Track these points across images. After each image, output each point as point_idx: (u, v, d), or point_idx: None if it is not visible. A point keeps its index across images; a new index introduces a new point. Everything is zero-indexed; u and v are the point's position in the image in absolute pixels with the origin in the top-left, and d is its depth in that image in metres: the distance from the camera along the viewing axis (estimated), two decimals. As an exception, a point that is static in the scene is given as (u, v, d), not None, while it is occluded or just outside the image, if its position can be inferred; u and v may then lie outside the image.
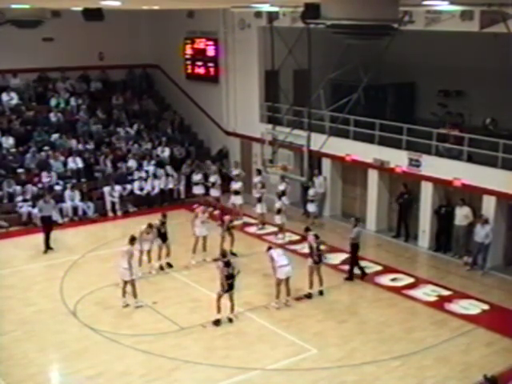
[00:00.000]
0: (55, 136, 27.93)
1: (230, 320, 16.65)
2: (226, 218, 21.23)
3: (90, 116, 29.79)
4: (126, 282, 17.59)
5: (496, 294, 18.74)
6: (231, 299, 16.65)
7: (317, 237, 18.53)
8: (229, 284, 16.46)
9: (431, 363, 14.99)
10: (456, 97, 24.83)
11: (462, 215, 20.96)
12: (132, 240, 17.91)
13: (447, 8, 19.28)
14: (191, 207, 26.43)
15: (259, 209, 24.23)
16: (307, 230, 19.24)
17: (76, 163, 26.75)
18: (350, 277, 19.73)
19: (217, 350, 15.53)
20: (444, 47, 22.94)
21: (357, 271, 19.83)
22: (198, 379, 14.34)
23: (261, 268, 19.41)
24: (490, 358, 15.03)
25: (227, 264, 16.53)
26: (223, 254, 17.15)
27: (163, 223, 20.04)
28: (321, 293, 18.47)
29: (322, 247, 18.59)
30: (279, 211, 22.91)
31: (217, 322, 16.59)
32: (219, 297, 16.54)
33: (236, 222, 22.37)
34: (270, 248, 18.11)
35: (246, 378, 14.39)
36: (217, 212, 25.49)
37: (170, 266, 20.23)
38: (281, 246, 19.86)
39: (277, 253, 17.78)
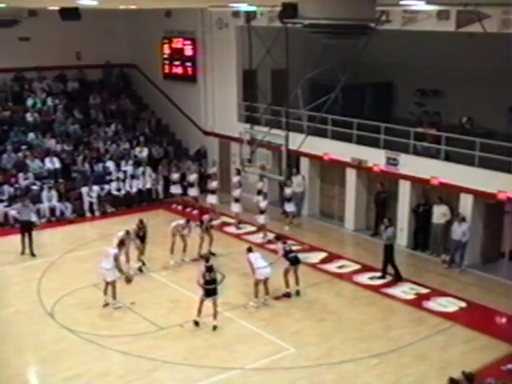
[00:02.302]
0: (32, 136, 27.72)
1: (215, 328, 16.41)
2: (205, 217, 21.20)
3: (67, 116, 29.59)
4: (107, 283, 17.53)
5: (473, 292, 18.86)
6: (214, 305, 16.44)
7: (284, 242, 18.61)
8: (209, 289, 16.30)
9: (409, 361, 15.06)
10: (433, 96, 24.99)
11: (439, 213, 21.10)
12: (120, 244, 18.04)
13: (424, 8, 19.39)
14: (170, 207, 26.46)
15: (236, 208, 24.22)
16: (277, 238, 19.37)
17: (53, 163, 26.57)
18: (383, 276, 19.73)
19: (196, 350, 15.49)
20: (421, 47, 23.09)
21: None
22: (177, 379, 14.30)
23: (239, 268, 19.38)
24: (467, 355, 15.13)
25: (209, 269, 16.41)
26: (206, 258, 16.95)
27: (140, 228, 19.95)
28: (297, 293, 18.49)
29: (294, 248, 18.72)
30: (263, 211, 22.92)
31: (196, 324, 16.54)
32: (201, 301, 16.44)
33: (214, 222, 22.31)
34: (249, 249, 18.12)
35: (226, 378, 14.37)
36: (195, 212, 25.51)
37: (143, 263, 20.11)
38: (261, 245, 19.89)
39: (254, 256, 17.81)
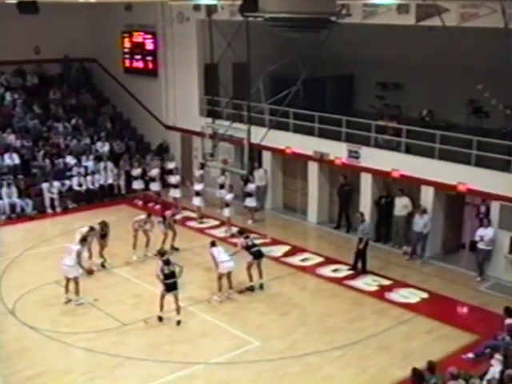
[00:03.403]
0: (-10, 132, 27.34)
1: (178, 323, 16.37)
2: (168, 213, 21.10)
3: (27, 111, 29.21)
4: (68, 279, 17.36)
5: (435, 283, 19.07)
6: (175, 300, 16.39)
7: (247, 237, 18.63)
8: (169, 284, 16.26)
9: (372, 352, 15.20)
10: (393, 89, 25.16)
11: (401, 205, 21.29)
12: (83, 240, 17.94)
13: (384, 1, 19.52)
14: (132, 202, 26.29)
15: (197, 202, 24.14)
16: (240, 233, 19.38)
17: (13, 159, 26.19)
18: (354, 268, 19.90)
19: (160, 345, 15.44)
20: (381, 40, 23.22)
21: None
22: (141, 375, 14.23)
23: (202, 262, 19.38)
24: (429, 345, 15.32)
25: (166, 263, 16.38)
26: (161, 253, 17.00)
27: (103, 229, 19.79)
28: (261, 286, 18.52)
29: (257, 241, 18.74)
30: (228, 204, 22.90)
31: (160, 319, 16.48)
32: (162, 296, 16.39)
33: (177, 217, 22.21)
34: (213, 243, 18.11)
35: (190, 373, 14.35)
36: (158, 207, 25.39)
37: (104, 259, 19.90)
38: (224, 239, 19.85)
39: (217, 250, 17.84)
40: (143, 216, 20.59)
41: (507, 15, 16.79)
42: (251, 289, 18.36)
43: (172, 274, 16.29)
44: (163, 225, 20.66)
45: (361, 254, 19.83)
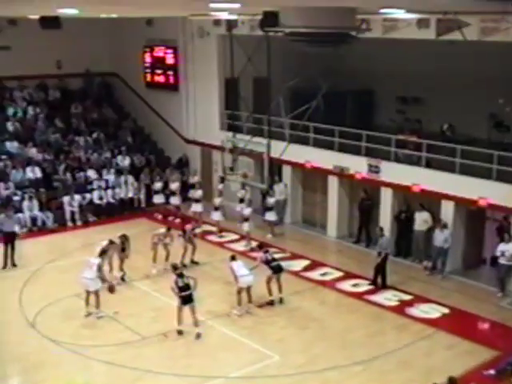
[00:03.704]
0: (14, 145, 27.55)
1: (198, 336, 16.34)
2: (188, 227, 21.15)
3: (49, 125, 29.47)
4: (89, 293, 17.44)
5: (455, 298, 18.94)
6: (192, 312, 16.36)
7: (266, 251, 18.60)
8: (185, 296, 16.28)
9: (393, 367, 15.10)
10: (414, 103, 25.12)
11: (421, 220, 21.19)
12: (102, 253, 18.02)
13: (404, 16, 19.53)
14: (152, 216, 26.38)
15: (216, 216, 24.16)
16: (259, 247, 19.37)
17: (34, 173, 26.43)
18: (374, 283, 19.85)
19: (179, 358, 15.45)
20: (402, 54, 23.21)
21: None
22: (160, 389, 14.27)
23: (222, 276, 19.37)
24: (450, 361, 15.18)
25: (180, 276, 16.43)
26: (174, 266, 17.05)
27: (123, 242, 19.87)
28: (281, 300, 18.48)
29: (276, 256, 18.72)
30: (247, 219, 22.92)
31: (179, 332, 16.48)
32: (179, 309, 16.40)
33: (197, 230, 22.23)
34: (233, 257, 18.12)
35: (209, 387, 14.36)
36: (177, 221, 25.46)
37: (124, 273, 19.95)
38: (244, 253, 19.89)
39: (237, 264, 17.84)
40: (163, 230, 20.66)
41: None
42: (271, 303, 18.33)
43: (187, 287, 16.30)
44: (183, 238, 20.72)
45: (380, 269, 19.75)
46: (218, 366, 15.14)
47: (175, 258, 20.19)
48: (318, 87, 20.47)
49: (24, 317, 17.53)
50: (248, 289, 17.72)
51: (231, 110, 25.56)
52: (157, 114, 31.24)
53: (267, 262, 18.30)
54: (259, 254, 18.65)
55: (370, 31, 19.67)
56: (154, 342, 16.20)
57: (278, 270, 18.33)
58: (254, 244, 21.99)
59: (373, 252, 21.21)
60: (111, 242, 19.36)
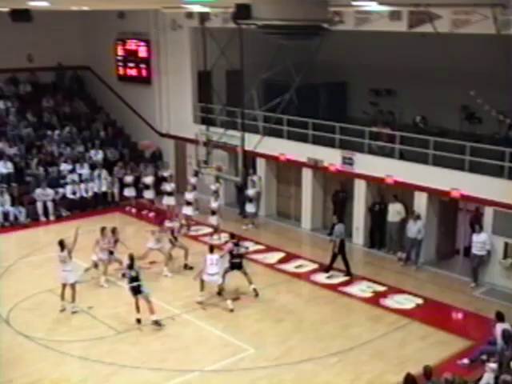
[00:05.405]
0: (-16, 140, 27.29)
1: (156, 323, 16.47)
2: (173, 226, 20.50)
3: (20, 119, 29.19)
4: (65, 286, 17.32)
5: (429, 288, 19.09)
6: (147, 301, 16.53)
7: (236, 244, 18.51)
8: (134, 287, 16.48)
9: (368, 358, 15.19)
10: (387, 95, 25.21)
11: (394, 211, 21.31)
12: (61, 244, 17.40)
13: (376, 8, 19.59)
14: (124, 210, 26.25)
15: (188, 211, 23.75)
16: (231, 237, 19.19)
17: (6, 167, 26.16)
18: (328, 269, 20.09)
19: (154, 353, 15.40)
20: (374, 47, 23.28)
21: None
22: (135, 383, 14.18)
23: (196, 269, 19.30)
24: (425, 351, 15.29)
25: (130, 267, 16.62)
26: (130, 257, 16.97)
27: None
28: (255, 291, 18.40)
29: (242, 250, 18.66)
30: (214, 212, 22.85)
31: (138, 321, 16.69)
32: (135, 300, 16.69)
33: (183, 231, 21.75)
34: (211, 249, 18.03)
35: (185, 380, 14.31)
36: (151, 214, 25.38)
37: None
38: (218, 246, 19.82)
39: (211, 259, 17.70)
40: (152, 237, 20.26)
41: (498, 22, 16.88)
42: (220, 292, 18.26)
43: (136, 278, 16.51)
44: (173, 241, 20.24)
45: (336, 256, 19.93)
46: (194, 359, 15.12)
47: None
48: (292, 80, 20.50)
49: (-3, 313, 17.40)
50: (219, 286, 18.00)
51: (204, 102, 25.48)
52: (130, 107, 31.08)
53: (232, 255, 18.29)
54: (228, 244, 18.64)
55: (343, 23, 19.77)
56: (129, 337, 16.15)
57: (236, 267, 18.27)
58: (224, 237, 21.83)
59: (348, 244, 21.35)
60: (103, 229, 19.22)
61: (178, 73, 28.08)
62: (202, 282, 17.86)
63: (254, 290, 18.47)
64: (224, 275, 18.16)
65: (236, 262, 18.24)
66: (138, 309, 16.68)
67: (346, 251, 20.09)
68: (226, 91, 26.43)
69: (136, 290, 16.56)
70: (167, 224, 20.96)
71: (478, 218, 19.79)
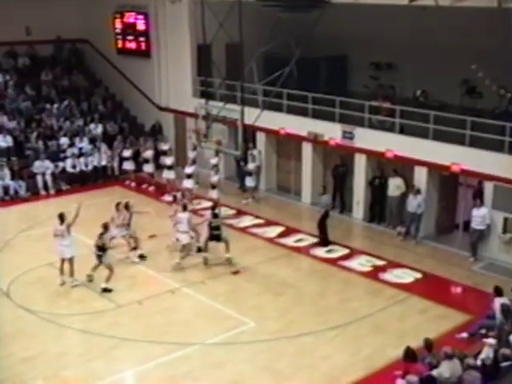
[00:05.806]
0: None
1: (106, 290, 17.04)
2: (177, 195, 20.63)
3: (19, 93, 29.05)
4: (63, 261, 17.36)
5: (428, 263, 19.13)
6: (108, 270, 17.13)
7: (215, 216, 18.62)
8: (99, 255, 17.07)
9: (367, 332, 15.28)
10: (387, 69, 25.04)
11: (394, 186, 21.29)
12: (61, 218, 17.33)
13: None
14: (123, 184, 26.24)
15: (188, 184, 23.81)
16: (212, 208, 19.19)
17: (6, 141, 26.08)
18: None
19: (155, 326, 15.47)
20: (375, 20, 23.09)
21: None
22: (137, 356, 14.26)
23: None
24: (424, 325, 15.37)
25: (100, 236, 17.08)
26: (104, 226, 17.30)
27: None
28: (228, 260, 18.59)
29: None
30: (214, 186, 22.86)
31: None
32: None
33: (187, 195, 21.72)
34: (184, 207, 18.59)
35: (186, 354, 14.38)
36: (151, 188, 25.40)
37: (142, 257, 19.22)
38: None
39: (183, 217, 18.22)
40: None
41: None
42: (205, 262, 18.59)
43: (102, 248, 17.13)
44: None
45: (321, 226, 20.04)
46: (194, 332, 15.20)
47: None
48: (291, 53, 20.35)
49: (-3, 286, 17.45)
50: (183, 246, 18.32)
51: (204, 76, 25.28)
52: (129, 80, 30.94)
53: (210, 227, 18.43)
54: (208, 214, 18.83)
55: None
56: (130, 311, 16.22)
57: (214, 238, 18.54)
58: (223, 211, 21.85)
59: (348, 218, 21.43)
60: (118, 204, 19.19)
61: (177, 46, 27.92)
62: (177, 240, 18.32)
63: (228, 259, 18.61)
64: (206, 244, 18.48)
65: (214, 234, 18.46)
66: (93, 269, 17.34)
67: (327, 223, 20.26)
68: (225, 65, 26.26)
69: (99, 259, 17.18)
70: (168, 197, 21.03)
71: (481, 191, 19.80)
